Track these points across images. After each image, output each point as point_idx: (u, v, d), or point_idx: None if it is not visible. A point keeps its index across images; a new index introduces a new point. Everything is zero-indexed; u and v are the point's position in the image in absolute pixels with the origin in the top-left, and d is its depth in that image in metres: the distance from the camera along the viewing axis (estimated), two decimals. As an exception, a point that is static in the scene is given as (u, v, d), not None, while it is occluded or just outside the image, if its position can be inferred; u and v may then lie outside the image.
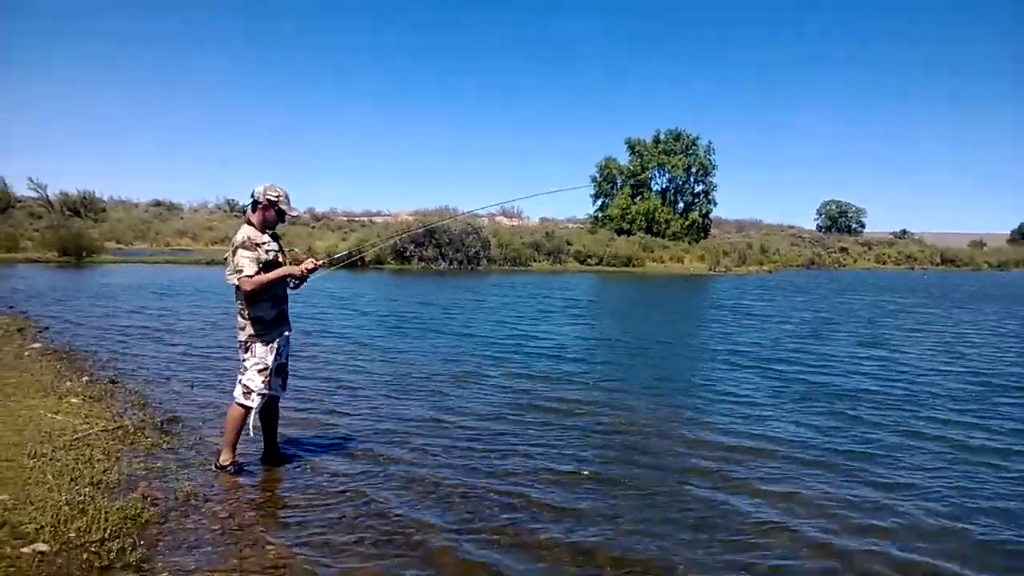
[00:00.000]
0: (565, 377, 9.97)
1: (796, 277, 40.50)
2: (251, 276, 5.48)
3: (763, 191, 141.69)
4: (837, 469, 6.40)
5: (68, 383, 8.30)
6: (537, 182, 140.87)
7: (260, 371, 5.71)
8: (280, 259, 5.76)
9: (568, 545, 4.75)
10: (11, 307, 15.28)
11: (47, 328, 12.67)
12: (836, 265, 57.49)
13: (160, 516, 4.86)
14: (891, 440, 7.35)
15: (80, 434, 6.37)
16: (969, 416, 8.43)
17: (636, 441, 7.08)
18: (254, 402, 5.72)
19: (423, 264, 34.60)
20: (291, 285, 5.90)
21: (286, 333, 5.91)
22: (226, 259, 5.71)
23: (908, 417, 8.30)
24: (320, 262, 5.99)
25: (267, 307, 5.70)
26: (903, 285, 35.69)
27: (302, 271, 5.75)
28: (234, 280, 5.57)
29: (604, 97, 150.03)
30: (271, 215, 5.73)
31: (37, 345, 10.69)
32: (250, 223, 5.70)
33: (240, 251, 5.52)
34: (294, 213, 5.85)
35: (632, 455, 6.62)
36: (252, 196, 5.71)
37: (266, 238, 5.69)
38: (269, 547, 4.56)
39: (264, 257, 5.58)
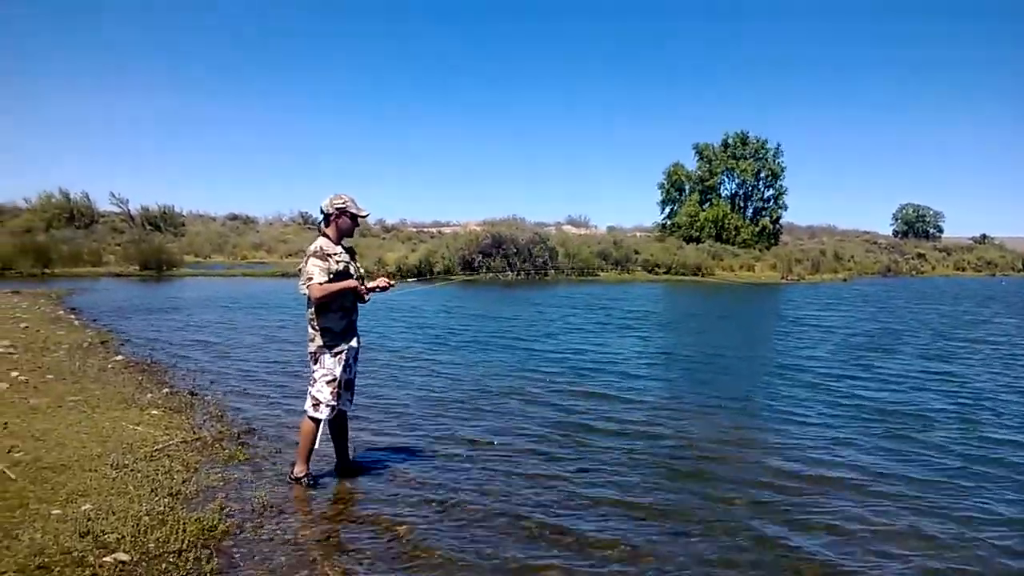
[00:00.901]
0: (617, 396, 9.68)
1: (871, 286, 39.36)
2: (320, 284, 5.58)
3: (837, 195, 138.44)
4: (905, 501, 5.98)
5: (149, 395, 8.54)
6: (605, 189, 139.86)
7: (328, 382, 5.80)
8: (351, 271, 5.85)
9: None
10: (95, 320, 15.82)
11: (129, 341, 13.07)
12: (913, 272, 55.80)
13: (236, 527, 4.96)
14: (964, 469, 6.85)
15: (160, 445, 6.54)
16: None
17: (688, 467, 6.84)
18: (323, 413, 5.81)
19: (491, 275, 34.74)
20: (362, 297, 5.97)
21: (354, 345, 5.99)
22: (300, 270, 5.83)
23: (980, 441, 7.86)
24: (392, 283, 6.09)
25: (336, 318, 5.79)
26: (982, 293, 34.36)
27: (364, 290, 5.87)
28: (304, 289, 5.67)
29: (672, 101, 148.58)
30: (345, 223, 5.85)
31: (120, 357, 11.04)
32: (325, 235, 5.82)
33: (312, 259, 5.65)
34: (364, 213, 5.93)
35: (684, 483, 6.38)
36: (322, 211, 5.85)
37: (339, 249, 5.82)
38: (341, 560, 4.60)
39: (334, 267, 5.69)
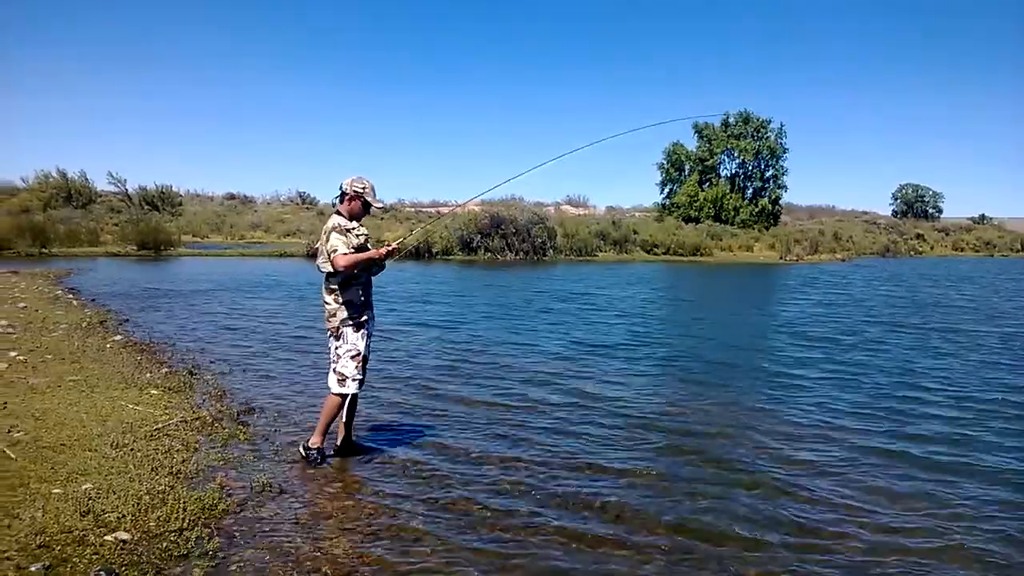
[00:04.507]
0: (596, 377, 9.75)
1: (858, 268, 39.07)
2: (345, 254, 5.67)
3: (837, 175, 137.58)
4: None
5: (148, 374, 8.54)
6: (603, 168, 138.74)
7: (352, 357, 5.89)
8: (369, 244, 6.00)
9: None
10: (93, 300, 15.78)
11: (127, 320, 13.06)
12: (912, 252, 55.68)
13: (236, 506, 4.97)
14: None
15: (160, 425, 6.55)
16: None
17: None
18: (351, 388, 5.91)
19: (489, 255, 34.65)
20: (373, 271, 6.09)
21: (372, 320, 6.10)
22: (317, 248, 5.96)
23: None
24: (395, 244, 6.17)
25: (358, 291, 5.91)
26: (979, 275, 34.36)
27: (382, 254, 5.93)
28: (327, 267, 5.79)
29: (673, 79, 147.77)
30: (357, 207, 5.95)
31: (118, 337, 11.03)
32: (339, 213, 5.93)
33: (333, 234, 5.77)
34: (378, 204, 6.05)
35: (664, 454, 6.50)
36: (340, 188, 5.96)
37: (355, 224, 5.92)
38: (342, 538, 4.62)
39: (355, 241, 5.82)
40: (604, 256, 39.08)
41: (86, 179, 47.84)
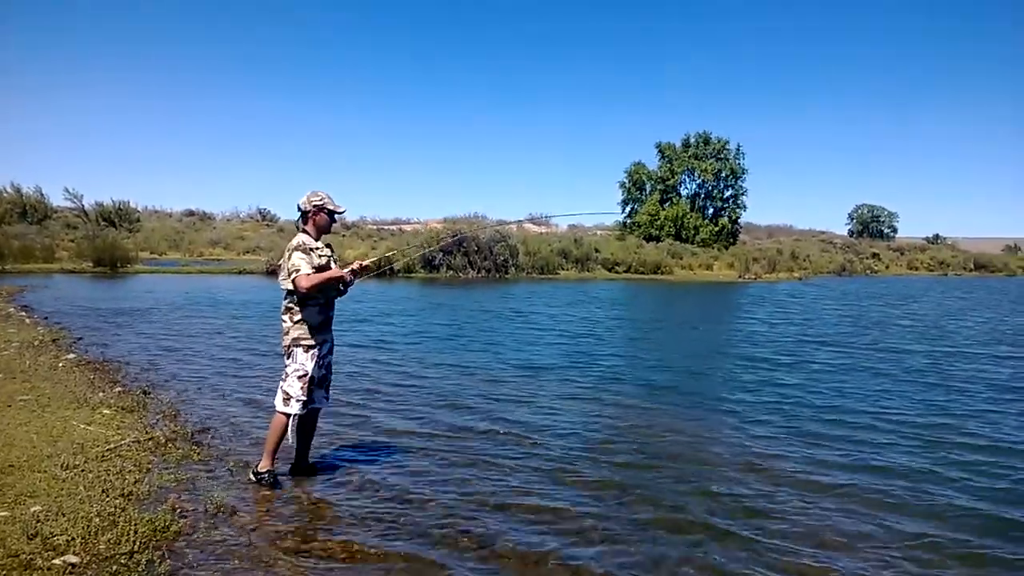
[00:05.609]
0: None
1: (809, 287, 39.71)
2: (308, 274, 5.65)
3: (794, 196, 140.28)
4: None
5: (101, 394, 8.42)
6: (566, 188, 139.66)
7: (299, 377, 5.83)
8: (332, 265, 5.96)
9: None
10: (46, 318, 15.50)
11: (81, 339, 12.84)
12: (868, 271, 56.69)
13: (189, 528, 4.92)
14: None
15: (112, 445, 6.46)
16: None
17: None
18: (293, 408, 5.83)
19: (451, 272, 34.64)
20: (339, 289, 6.05)
21: (328, 342, 6.06)
22: (279, 266, 5.93)
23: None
24: (365, 262, 6.23)
25: (315, 312, 5.87)
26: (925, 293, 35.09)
27: (350, 273, 5.98)
28: (288, 284, 5.75)
29: (634, 99, 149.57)
30: (322, 219, 5.95)
31: (71, 356, 10.85)
32: (306, 232, 5.91)
33: (295, 253, 5.72)
34: (341, 210, 6.03)
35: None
36: (299, 209, 5.93)
37: (319, 244, 5.92)
38: (297, 561, 4.59)
39: (317, 261, 5.79)
40: (566, 274, 39.32)
41: (41, 194, 47.27)
